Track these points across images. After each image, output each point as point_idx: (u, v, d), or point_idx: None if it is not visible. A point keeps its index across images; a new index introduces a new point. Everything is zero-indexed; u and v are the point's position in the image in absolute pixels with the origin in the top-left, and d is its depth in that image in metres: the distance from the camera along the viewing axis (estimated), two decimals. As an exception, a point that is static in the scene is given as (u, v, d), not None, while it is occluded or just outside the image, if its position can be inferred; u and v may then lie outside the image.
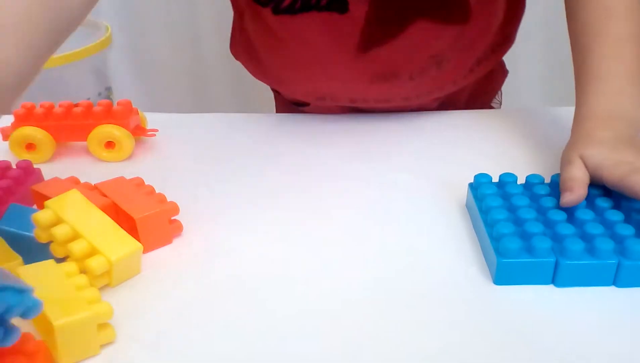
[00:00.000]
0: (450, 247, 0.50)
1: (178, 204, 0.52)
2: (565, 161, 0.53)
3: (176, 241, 0.52)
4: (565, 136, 0.56)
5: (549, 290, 0.45)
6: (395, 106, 0.73)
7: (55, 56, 1.06)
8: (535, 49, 1.51)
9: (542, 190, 0.52)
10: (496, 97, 0.85)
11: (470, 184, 0.55)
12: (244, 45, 0.75)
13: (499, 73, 0.82)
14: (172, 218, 0.52)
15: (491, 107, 0.84)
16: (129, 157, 0.66)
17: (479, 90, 0.80)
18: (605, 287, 0.45)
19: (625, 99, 0.55)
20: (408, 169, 0.62)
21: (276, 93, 0.86)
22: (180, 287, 0.47)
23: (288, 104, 0.82)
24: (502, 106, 0.87)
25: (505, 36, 0.75)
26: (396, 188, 0.59)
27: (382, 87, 0.70)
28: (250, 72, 0.78)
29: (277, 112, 0.87)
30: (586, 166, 0.51)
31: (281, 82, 0.76)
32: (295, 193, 0.59)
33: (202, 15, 1.57)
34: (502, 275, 0.45)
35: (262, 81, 0.78)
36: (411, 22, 0.65)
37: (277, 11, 0.65)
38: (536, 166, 0.62)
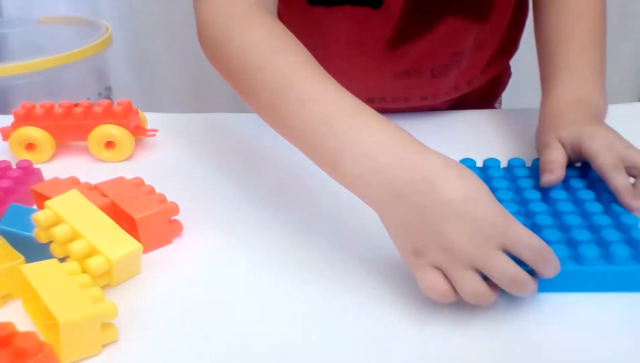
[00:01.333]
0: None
1: (178, 204, 0.52)
2: (542, 145, 0.55)
3: (176, 241, 0.52)
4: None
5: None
6: (409, 107, 0.74)
7: (55, 56, 1.06)
8: (535, 49, 1.51)
9: (521, 173, 0.55)
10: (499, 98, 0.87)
11: None
12: None
13: (505, 75, 0.84)
14: (172, 218, 0.52)
15: (493, 108, 0.85)
16: (129, 157, 0.66)
17: (488, 93, 0.82)
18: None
19: (591, 87, 0.58)
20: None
21: None
22: (180, 287, 0.47)
23: None
24: (502, 106, 0.88)
25: (511, 40, 0.77)
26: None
27: (404, 84, 0.71)
28: None
29: None
30: (564, 146, 0.54)
31: None
32: (295, 193, 0.59)
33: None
34: None
35: None
36: (442, 18, 0.65)
37: (313, 2, 0.65)
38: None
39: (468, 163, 0.55)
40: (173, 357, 0.41)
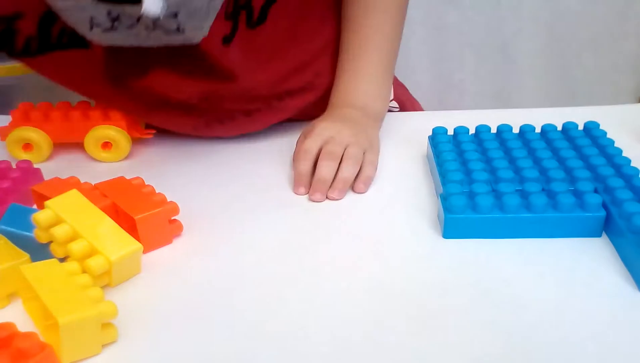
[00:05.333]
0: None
1: (178, 204, 0.52)
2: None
3: (176, 241, 0.52)
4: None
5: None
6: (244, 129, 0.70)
7: None
8: (534, 49, 1.52)
9: (487, 136, 0.61)
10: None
11: (429, 137, 0.63)
12: None
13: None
14: (172, 218, 0.52)
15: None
16: (129, 157, 0.66)
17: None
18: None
19: (366, 91, 0.67)
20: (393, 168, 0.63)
21: None
22: (180, 287, 0.47)
23: None
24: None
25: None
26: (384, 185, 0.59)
27: (168, 115, 0.67)
28: None
29: None
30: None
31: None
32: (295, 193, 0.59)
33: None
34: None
35: None
36: (148, 70, 0.61)
37: (13, 54, 0.59)
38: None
39: (440, 130, 0.63)
40: (173, 356, 0.41)
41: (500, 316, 0.43)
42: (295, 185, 0.59)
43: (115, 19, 0.53)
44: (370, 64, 0.67)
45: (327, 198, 0.58)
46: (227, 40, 0.60)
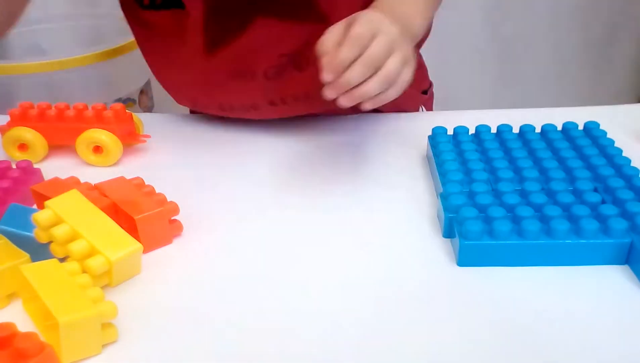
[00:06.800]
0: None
1: (178, 204, 0.52)
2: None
3: (176, 241, 0.52)
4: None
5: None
6: (267, 115, 0.71)
7: (98, 51, 1.06)
8: (535, 49, 1.52)
9: (488, 136, 0.61)
10: (421, 109, 0.82)
11: (429, 137, 0.63)
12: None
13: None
14: (172, 218, 0.52)
15: None
16: (129, 157, 0.66)
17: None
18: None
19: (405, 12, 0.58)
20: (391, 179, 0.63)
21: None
22: (180, 287, 0.47)
23: None
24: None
25: None
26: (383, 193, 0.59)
27: (240, 87, 0.68)
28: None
29: None
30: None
31: (166, 86, 0.75)
32: (296, 193, 0.59)
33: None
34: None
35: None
36: (251, 20, 0.63)
37: (143, 6, 0.66)
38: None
39: (440, 130, 0.63)
40: (173, 356, 0.41)
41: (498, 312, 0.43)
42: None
43: None
44: None
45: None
46: None
